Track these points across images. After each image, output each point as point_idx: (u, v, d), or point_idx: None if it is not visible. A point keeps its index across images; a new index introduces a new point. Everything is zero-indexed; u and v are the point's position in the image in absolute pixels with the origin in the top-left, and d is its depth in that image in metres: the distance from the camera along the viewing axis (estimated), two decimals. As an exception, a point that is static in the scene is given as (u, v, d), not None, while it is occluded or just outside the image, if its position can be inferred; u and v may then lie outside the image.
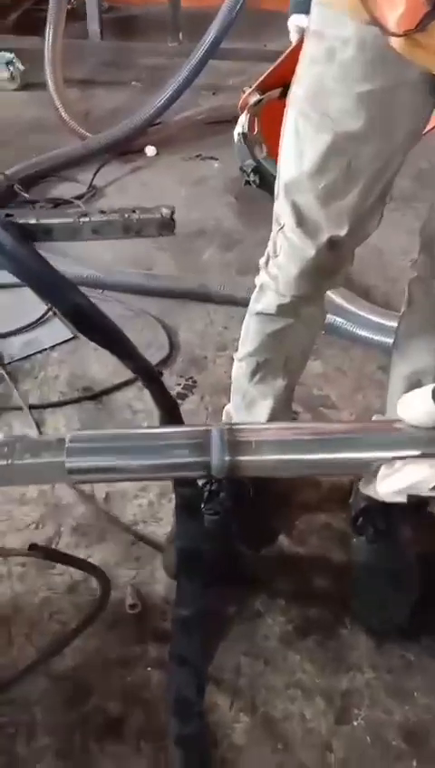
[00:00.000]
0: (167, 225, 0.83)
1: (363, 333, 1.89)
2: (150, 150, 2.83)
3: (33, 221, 0.86)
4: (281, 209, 1.16)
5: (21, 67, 3.37)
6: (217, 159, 2.83)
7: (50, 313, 2.04)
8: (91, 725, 1.19)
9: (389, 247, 2.25)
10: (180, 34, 3.48)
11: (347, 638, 1.30)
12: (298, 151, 1.09)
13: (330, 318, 1.92)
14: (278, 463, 0.62)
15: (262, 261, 1.26)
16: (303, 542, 1.46)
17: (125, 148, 2.81)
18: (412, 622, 1.30)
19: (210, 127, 3.04)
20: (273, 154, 1.29)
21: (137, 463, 0.61)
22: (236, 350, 1.39)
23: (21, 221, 0.83)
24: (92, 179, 2.63)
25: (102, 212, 0.83)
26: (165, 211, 0.82)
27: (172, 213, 0.82)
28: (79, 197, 2.54)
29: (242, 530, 1.44)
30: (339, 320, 1.92)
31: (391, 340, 1.83)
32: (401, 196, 2.50)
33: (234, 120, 3.05)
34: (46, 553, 1.08)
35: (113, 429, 0.62)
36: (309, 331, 1.33)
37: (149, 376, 0.99)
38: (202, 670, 1.24)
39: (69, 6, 3.80)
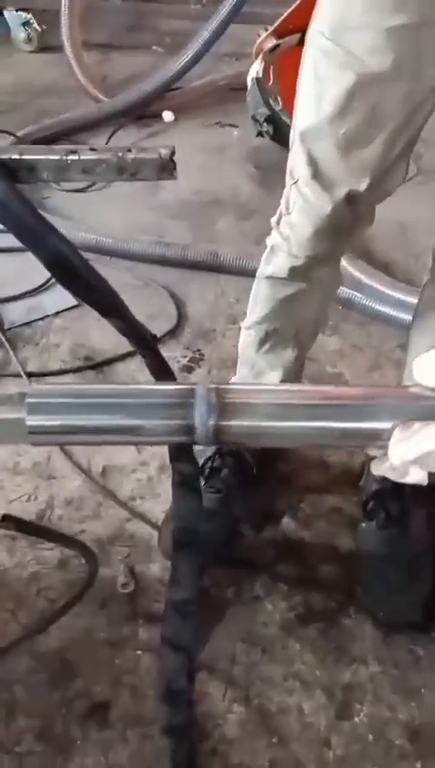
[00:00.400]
0: (166, 167, 0.73)
1: (383, 309, 1.79)
2: (168, 116, 2.73)
3: (15, 156, 0.76)
4: (296, 160, 1.06)
5: (38, 28, 3.27)
6: (237, 127, 2.72)
7: (53, 280, 1.95)
8: (75, 709, 1.13)
9: (413, 222, 2.14)
10: (204, -4, 3.35)
11: (352, 629, 1.22)
12: (318, 93, 0.99)
13: (348, 292, 1.82)
14: (274, 430, 0.53)
15: (273, 220, 1.17)
16: (309, 525, 1.38)
17: (141, 113, 2.70)
18: (423, 615, 1.21)
19: (232, 93, 2.91)
20: (288, 107, 1.18)
21: (108, 423, 0.52)
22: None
23: (1, 156, 0.73)
24: (107, 143, 2.52)
25: (93, 149, 0.73)
26: (164, 151, 0.72)
27: (172, 153, 0.72)
28: (91, 162, 2.44)
29: (244, 510, 1.36)
30: (357, 294, 1.82)
31: (409, 317, 1.74)
32: (429, 169, 2.39)
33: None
34: (18, 525, 0.99)
35: (82, 384, 0.52)
36: (323, 297, 1.24)
37: (140, 339, 0.90)
38: (195, 656, 1.17)
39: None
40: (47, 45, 3.39)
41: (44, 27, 3.31)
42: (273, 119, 1.20)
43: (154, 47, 3.41)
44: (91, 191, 2.34)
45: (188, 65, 2.72)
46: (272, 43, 1.30)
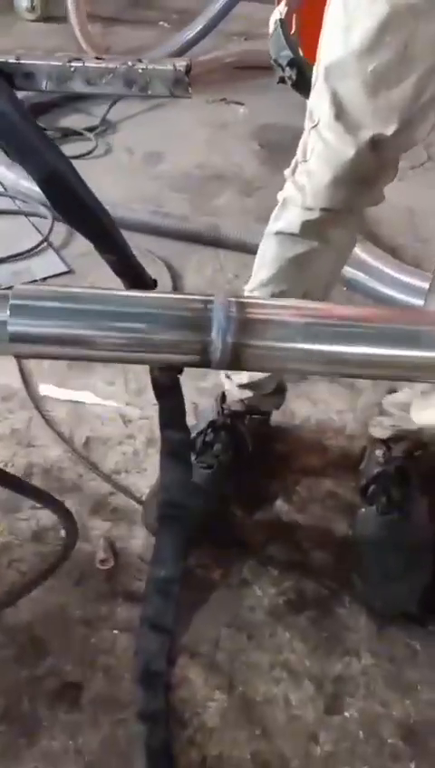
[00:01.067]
0: (180, 82, 0.65)
1: (389, 292, 1.71)
2: (172, 90, 2.64)
3: (11, 60, 0.67)
4: (318, 100, 0.98)
5: (43, -4, 3.17)
6: (243, 105, 2.64)
7: (45, 244, 1.86)
8: (44, 688, 1.04)
9: (421, 207, 2.07)
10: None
11: (345, 619, 1.14)
12: (346, 26, 0.91)
13: (352, 272, 1.74)
14: (306, 354, 0.44)
15: (287, 171, 1.09)
16: (303, 509, 1.30)
17: (145, 85, 2.61)
18: (421, 607, 1.14)
19: (239, 72, 2.84)
20: (311, 60, 1.10)
21: (107, 333, 0.44)
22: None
23: (-4, 59, 0.64)
24: (106, 113, 2.44)
25: (99, 58, 0.65)
26: (179, 64, 0.63)
27: (188, 68, 0.64)
28: (90, 129, 2.36)
29: (236, 489, 1.28)
30: (362, 275, 1.74)
31: (417, 301, 1.67)
32: (436, 158, 2.32)
33: (265, 67, 2.89)
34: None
35: (78, 287, 0.43)
36: (335, 259, 1.15)
37: (138, 282, 0.81)
38: (176, 639, 1.09)
39: None
40: (50, 15, 3.29)
41: (49, -5, 3.21)
42: (296, 62, 1.11)
43: (161, 23, 3.32)
44: (90, 158, 2.25)
45: (194, 40, 2.64)
46: (297, -16, 1.21)
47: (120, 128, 2.44)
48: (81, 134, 2.34)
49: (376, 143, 0.96)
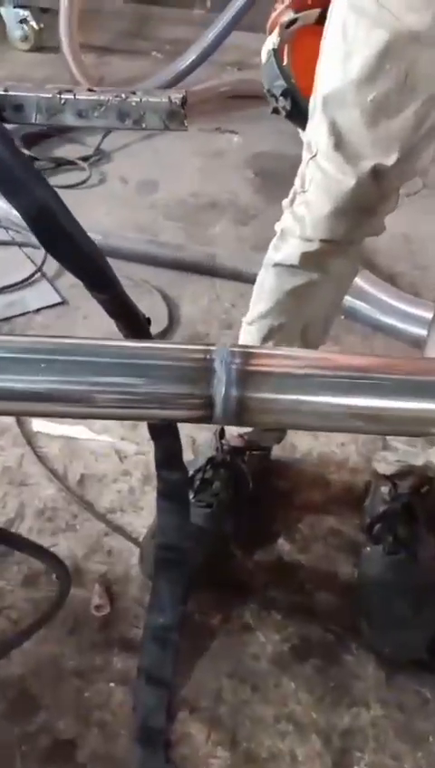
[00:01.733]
0: (176, 115, 0.62)
1: (388, 321, 1.68)
2: (166, 119, 2.63)
3: (0, 92, 0.64)
4: (316, 131, 0.95)
5: (36, 27, 3.17)
6: (237, 133, 2.63)
7: (38, 275, 1.83)
8: (37, 746, 0.98)
9: (418, 234, 2.05)
10: (208, 1, 3.28)
11: (353, 667, 1.09)
12: (345, 54, 0.88)
13: (351, 301, 1.71)
14: (318, 408, 0.40)
15: (285, 202, 1.06)
16: (306, 548, 1.25)
17: (139, 115, 2.60)
18: (432, 653, 1.08)
19: (233, 101, 2.84)
20: (304, 92, 1.08)
21: (92, 389, 0.40)
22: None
23: (-16, 90, 0.61)
24: (100, 142, 2.42)
25: (91, 90, 0.61)
26: (175, 96, 0.60)
27: (184, 100, 0.61)
28: (84, 159, 2.34)
29: (236, 528, 1.23)
30: (361, 304, 1.71)
31: (417, 330, 1.64)
32: (432, 185, 2.31)
33: (259, 97, 2.90)
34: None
35: (56, 337, 0.39)
36: (335, 291, 1.13)
37: (133, 325, 0.78)
38: (175, 692, 1.03)
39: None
40: (43, 45, 3.30)
41: (42, 26, 3.22)
42: (290, 92, 1.07)
43: (154, 53, 3.33)
44: (83, 188, 2.23)
45: (187, 70, 2.64)
46: (289, 16, 1.19)
47: (113, 157, 2.43)
48: (74, 163, 2.32)
49: (377, 173, 0.93)
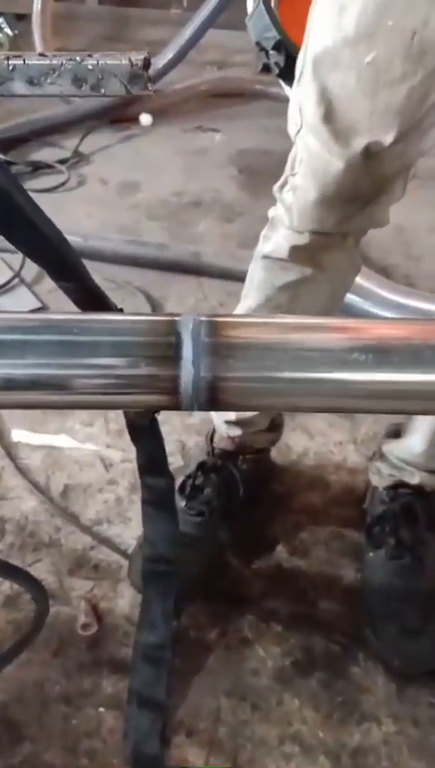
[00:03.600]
0: (138, 78, 0.54)
1: (383, 314, 1.61)
2: (146, 119, 2.57)
3: None
4: (303, 98, 0.83)
5: (10, 32, 3.12)
6: (219, 131, 2.58)
7: (16, 280, 1.76)
8: (22, 783, 0.90)
9: (411, 224, 1.99)
10: (184, 0, 3.23)
11: (360, 679, 1.01)
12: (340, 5, 0.75)
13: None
14: (308, 386, 0.33)
15: (276, 187, 0.95)
16: (306, 553, 1.17)
17: (117, 116, 2.54)
18: (445, 661, 1.01)
19: (213, 100, 2.79)
20: (300, 45, 0.92)
21: (31, 372, 0.32)
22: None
23: None
24: (78, 145, 2.36)
25: (43, 55, 0.55)
26: (135, 57, 0.53)
27: (147, 61, 0.54)
28: (62, 162, 2.27)
29: (230, 536, 1.15)
30: (354, 297, 1.64)
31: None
32: (426, 175, 2.25)
33: (239, 95, 2.84)
34: None
35: (10, 312, 0.31)
36: (332, 288, 1.01)
37: (100, 310, 0.71)
38: (170, 714, 0.96)
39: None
40: (19, 50, 3.23)
41: (17, 32, 3.16)
42: (284, 44, 0.91)
43: (118, 52, 3.28)
44: (63, 190, 2.17)
45: (164, 69, 2.58)
46: None
47: (92, 159, 2.37)
48: (52, 167, 2.26)
49: (370, 154, 0.81)
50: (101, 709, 0.97)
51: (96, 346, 0.33)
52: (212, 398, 0.34)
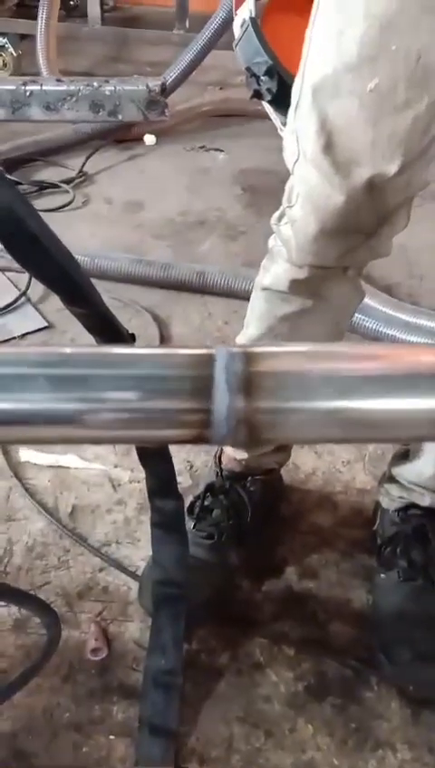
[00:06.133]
0: (155, 104, 0.55)
1: (388, 332, 1.61)
2: (150, 139, 2.59)
3: (-39, 84, 0.57)
4: (302, 127, 0.80)
5: (14, 53, 3.14)
6: (222, 151, 2.59)
7: (23, 299, 1.76)
8: None
9: (414, 243, 1.97)
10: (187, 21, 3.25)
11: (374, 704, 1.00)
12: (338, 30, 0.73)
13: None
14: (353, 415, 0.33)
15: (274, 218, 0.94)
16: (316, 575, 1.17)
17: (121, 136, 2.56)
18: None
19: (216, 120, 2.81)
20: (293, 71, 0.89)
21: (54, 407, 0.32)
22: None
23: None
24: (83, 165, 2.37)
25: (60, 80, 0.54)
26: (152, 83, 0.54)
27: (163, 87, 0.55)
28: (67, 182, 2.28)
29: (240, 558, 1.14)
30: (359, 316, 1.64)
31: (418, 340, 1.57)
32: (425, 194, 2.26)
33: (242, 115, 2.86)
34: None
35: (23, 347, 0.30)
36: (333, 318, 0.99)
37: (114, 337, 0.71)
38: (181, 742, 0.94)
39: (72, 3, 3.63)
40: (23, 72, 3.26)
41: (20, 53, 3.19)
42: (276, 70, 0.88)
43: (135, 76, 3.30)
44: (68, 210, 2.17)
45: (168, 90, 2.59)
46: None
47: (97, 179, 2.37)
48: (57, 186, 2.26)
49: (373, 186, 0.78)
50: (112, 737, 0.95)
51: (126, 379, 0.33)
52: (249, 432, 0.34)
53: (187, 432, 0.34)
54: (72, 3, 3.64)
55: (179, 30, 3.27)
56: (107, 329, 0.71)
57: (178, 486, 1.30)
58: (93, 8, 3.36)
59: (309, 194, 0.84)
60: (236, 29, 0.96)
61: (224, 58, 2.98)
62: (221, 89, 3.14)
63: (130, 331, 0.76)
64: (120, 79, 0.60)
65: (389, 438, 0.35)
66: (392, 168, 0.78)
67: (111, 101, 0.58)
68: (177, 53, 2.77)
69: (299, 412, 0.33)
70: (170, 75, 2.56)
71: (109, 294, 1.78)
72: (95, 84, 0.57)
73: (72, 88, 0.58)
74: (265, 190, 2.19)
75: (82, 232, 2.05)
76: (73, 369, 0.33)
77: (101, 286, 1.79)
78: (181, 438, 0.34)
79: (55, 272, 0.61)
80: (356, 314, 1.63)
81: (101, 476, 1.33)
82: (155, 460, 0.89)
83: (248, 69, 0.93)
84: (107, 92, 0.58)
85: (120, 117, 0.59)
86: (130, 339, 0.76)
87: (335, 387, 0.34)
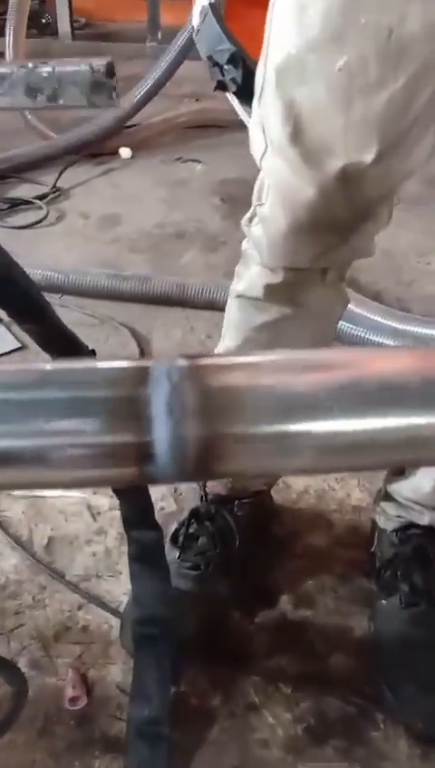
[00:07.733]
0: (101, 86, 0.48)
1: (378, 339, 1.55)
2: (125, 152, 2.53)
3: None
4: (267, 115, 0.73)
5: (-14, 72, 3.09)
6: (199, 162, 2.53)
7: (-5, 319, 1.68)
8: None
9: (399, 248, 1.93)
10: (159, 33, 3.21)
11: (381, 744, 0.91)
12: (300, 5, 0.66)
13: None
14: (328, 440, 0.25)
15: (244, 220, 0.87)
16: (312, 603, 1.08)
17: (95, 150, 2.50)
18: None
19: (192, 131, 2.75)
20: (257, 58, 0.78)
21: None
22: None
23: None
24: (57, 180, 2.30)
25: (-4, 65, 0.47)
26: (97, 63, 0.47)
27: (110, 68, 0.47)
28: (41, 198, 2.21)
29: (230, 589, 1.06)
30: (346, 324, 1.57)
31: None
32: (409, 199, 2.20)
33: (219, 125, 2.81)
34: None
35: None
36: (315, 327, 0.92)
37: (69, 352, 0.64)
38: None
39: (43, 21, 3.60)
40: (-4, 91, 3.21)
41: (-7, 71, 3.14)
42: (240, 57, 0.80)
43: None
44: (40, 227, 2.10)
45: (141, 102, 2.55)
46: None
47: (71, 194, 2.31)
48: (30, 203, 2.19)
49: (348, 177, 0.71)
50: (94, 795, 0.86)
51: (40, 405, 0.25)
52: (200, 466, 0.26)
53: (121, 472, 0.26)
54: (43, 21, 3.60)
55: (152, 42, 3.23)
56: (64, 345, 0.64)
57: (163, 511, 1.23)
58: (63, 25, 3.31)
59: (278, 187, 0.78)
60: (195, 19, 0.89)
61: (197, 69, 2.94)
62: (197, 100, 3.09)
63: (94, 348, 0.69)
64: (60, 60, 0.53)
65: (369, 465, 0.27)
66: (368, 157, 0.70)
67: (50, 84, 0.51)
68: (150, 66, 2.73)
69: (261, 438, 0.26)
70: (143, 87, 2.52)
71: (84, 311, 1.71)
72: (30, 66, 0.50)
73: (5, 70, 0.51)
74: (245, 200, 2.11)
75: (56, 248, 1.98)
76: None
77: (76, 303, 1.74)
78: (114, 479, 0.26)
79: (7, 291, 0.54)
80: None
81: (79, 504, 1.25)
82: (129, 488, 0.80)
83: (210, 58, 0.86)
84: (44, 74, 0.51)
85: (60, 102, 0.52)
86: (91, 356, 0.68)
87: (306, 403, 0.26)
